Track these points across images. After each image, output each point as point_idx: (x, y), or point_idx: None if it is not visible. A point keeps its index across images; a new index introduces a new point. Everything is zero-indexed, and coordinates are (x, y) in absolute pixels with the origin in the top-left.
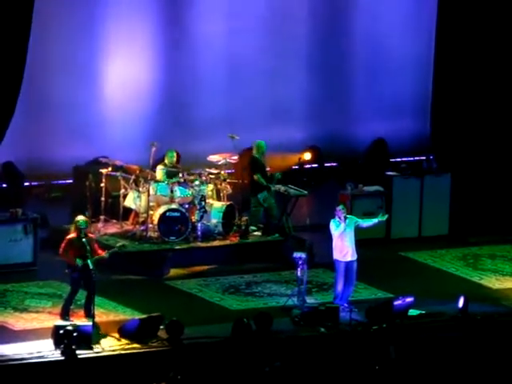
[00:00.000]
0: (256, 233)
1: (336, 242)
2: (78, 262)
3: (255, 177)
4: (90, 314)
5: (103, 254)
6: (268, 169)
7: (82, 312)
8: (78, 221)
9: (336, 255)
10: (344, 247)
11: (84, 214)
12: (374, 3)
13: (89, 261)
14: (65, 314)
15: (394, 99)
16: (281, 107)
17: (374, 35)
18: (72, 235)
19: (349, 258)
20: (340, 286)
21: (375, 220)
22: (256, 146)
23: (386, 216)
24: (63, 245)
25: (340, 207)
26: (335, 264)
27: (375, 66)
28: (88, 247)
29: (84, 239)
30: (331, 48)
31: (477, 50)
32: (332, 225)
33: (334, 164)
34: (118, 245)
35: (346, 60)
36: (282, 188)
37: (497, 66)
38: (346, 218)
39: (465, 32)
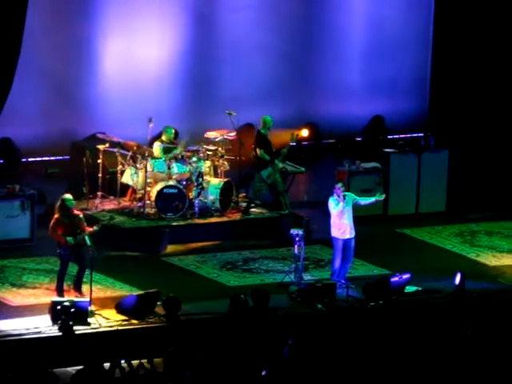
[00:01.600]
0: (255, 209)
1: (334, 220)
2: (70, 240)
3: (258, 152)
4: (79, 291)
5: (92, 229)
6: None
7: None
8: (66, 199)
9: (334, 233)
10: (342, 225)
11: (81, 190)
12: None
13: (86, 237)
14: (60, 291)
15: (392, 78)
16: (278, 84)
17: (373, 14)
18: (58, 215)
19: (347, 236)
20: (337, 263)
21: (373, 199)
22: (263, 121)
23: (384, 196)
24: (51, 224)
25: (339, 185)
26: (333, 241)
27: (374, 45)
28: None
29: (73, 216)
30: (329, 27)
31: (475, 28)
32: (330, 202)
33: (332, 141)
34: (105, 218)
35: (345, 39)
36: (280, 165)
37: (495, 43)
38: (344, 195)
39: (463, 10)
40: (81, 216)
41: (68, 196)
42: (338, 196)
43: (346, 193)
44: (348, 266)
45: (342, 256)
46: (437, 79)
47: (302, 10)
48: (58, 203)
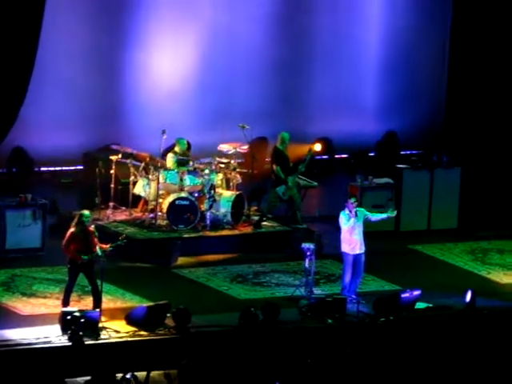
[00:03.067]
0: (266, 223)
1: (344, 235)
2: (85, 258)
3: (275, 169)
4: (97, 305)
5: (106, 247)
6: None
7: (89, 298)
8: (84, 215)
9: (344, 248)
10: (352, 240)
11: (93, 201)
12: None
13: (98, 248)
14: (65, 304)
15: (406, 94)
16: (293, 99)
17: (388, 29)
18: (74, 229)
19: (357, 251)
20: (347, 278)
21: (384, 215)
22: (281, 137)
23: (395, 212)
24: (66, 238)
25: (352, 200)
26: (343, 256)
27: (389, 60)
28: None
29: (88, 232)
30: (344, 41)
31: (492, 45)
32: (342, 218)
33: (345, 156)
34: (120, 238)
35: (360, 54)
36: (291, 184)
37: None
38: (356, 211)
39: (480, 26)
40: (96, 233)
41: (86, 212)
42: (350, 211)
43: (358, 208)
44: (358, 281)
45: (352, 271)
46: (452, 98)
47: (316, 24)
48: (76, 218)
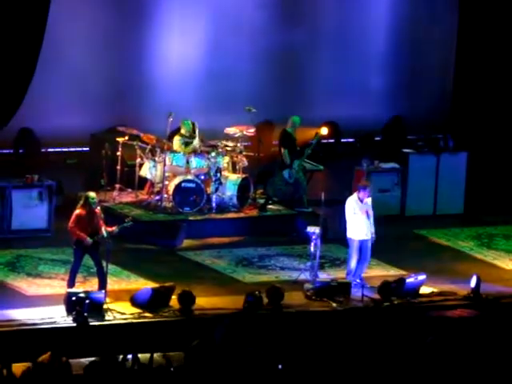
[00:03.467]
0: (272, 206)
1: (351, 221)
2: (90, 240)
3: (282, 151)
4: (103, 286)
5: (112, 229)
6: None
7: (95, 280)
8: (90, 197)
9: (350, 233)
10: (359, 226)
11: (100, 182)
12: None
13: (104, 230)
14: (71, 285)
15: (414, 79)
16: (300, 83)
17: (396, 14)
18: (80, 210)
19: (363, 237)
20: (353, 263)
21: (372, 228)
22: (291, 120)
23: (374, 238)
24: (72, 219)
25: (368, 189)
26: (349, 242)
27: (397, 45)
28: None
29: (94, 214)
30: (351, 25)
31: (500, 31)
32: (349, 203)
33: (351, 140)
34: (127, 220)
35: (368, 38)
36: (297, 167)
37: None
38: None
39: (488, 13)
40: (102, 215)
41: (92, 194)
42: (359, 198)
43: (368, 199)
44: (365, 266)
45: (359, 256)
46: (459, 80)
47: (323, 7)
48: (82, 200)
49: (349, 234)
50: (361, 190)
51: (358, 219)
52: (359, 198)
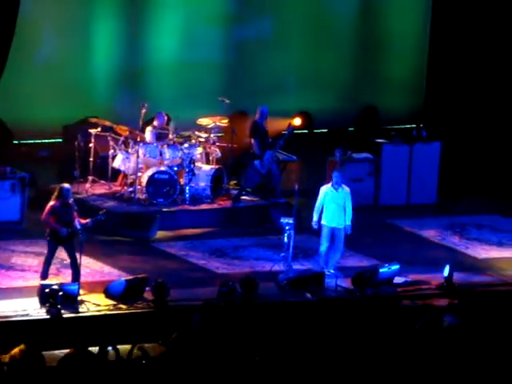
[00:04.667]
0: (246, 197)
1: (321, 207)
2: (63, 231)
3: (252, 142)
4: (76, 278)
5: (86, 221)
6: None
7: (68, 271)
8: (64, 188)
9: (322, 219)
10: (329, 213)
11: (73, 174)
12: None
13: (77, 222)
14: (44, 277)
15: (387, 70)
16: (272, 74)
17: (370, 5)
18: (54, 202)
19: (334, 225)
20: (322, 248)
21: (348, 221)
22: (259, 111)
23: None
24: (46, 211)
25: (337, 172)
26: (321, 227)
27: (370, 37)
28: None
29: (68, 206)
30: (326, 17)
31: (472, 21)
32: (321, 191)
33: (324, 130)
34: (100, 212)
35: (340, 29)
36: (269, 158)
37: (491, 36)
38: (339, 187)
39: (460, 7)
40: (75, 207)
41: (66, 185)
42: (334, 185)
43: (344, 185)
44: (337, 257)
45: (331, 245)
46: (432, 71)
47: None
48: (56, 191)
49: (322, 220)
50: (332, 174)
51: (329, 206)
52: (333, 186)
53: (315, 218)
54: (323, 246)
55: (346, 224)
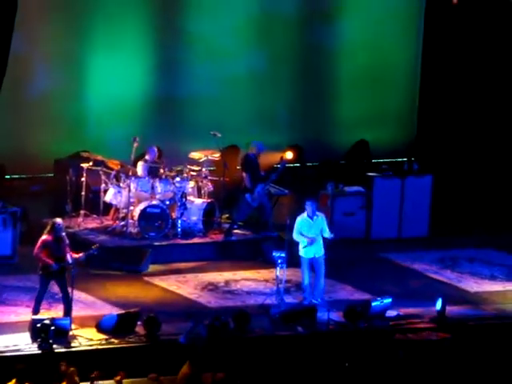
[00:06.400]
0: (238, 231)
1: (298, 239)
2: (55, 266)
3: (244, 176)
4: (68, 313)
5: (78, 255)
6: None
7: (60, 306)
8: (56, 223)
9: (300, 251)
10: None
11: (65, 208)
12: (363, 13)
13: (68, 256)
14: (35, 313)
15: (378, 104)
16: (265, 110)
17: (362, 41)
18: (46, 237)
19: (312, 255)
20: (306, 281)
21: (328, 236)
22: (255, 146)
23: (332, 235)
24: (38, 245)
25: (311, 202)
26: (300, 259)
27: (361, 73)
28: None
29: (60, 240)
30: (316, 55)
31: (464, 56)
32: (297, 223)
33: (316, 163)
34: (93, 246)
35: (332, 65)
36: (259, 192)
37: (480, 71)
38: (315, 216)
39: (451, 41)
40: (67, 241)
41: (59, 220)
42: (309, 214)
43: (319, 214)
44: (320, 283)
45: (312, 274)
46: (423, 105)
47: (293, 35)
48: (49, 226)
49: (299, 252)
50: (305, 204)
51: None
52: (308, 216)
53: (302, 241)
54: (305, 280)
55: (329, 236)
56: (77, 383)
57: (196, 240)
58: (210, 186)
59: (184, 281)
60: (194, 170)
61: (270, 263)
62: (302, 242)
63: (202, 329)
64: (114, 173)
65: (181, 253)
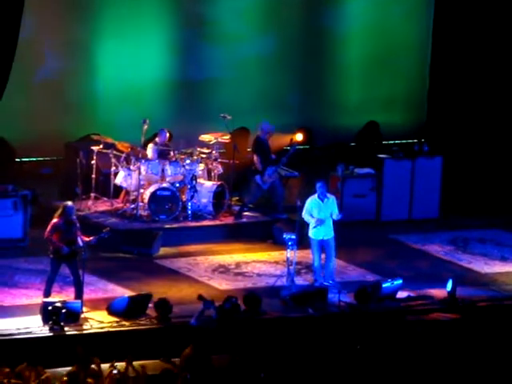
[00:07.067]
0: (248, 213)
1: (309, 221)
2: (66, 249)
3: (255, 158)
4: (79, 296)
5: (89, 239)
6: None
7: (71, 289)
8: (67, 206)
9: (310, 233)
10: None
11: (75, 191)
12: None
13: (79, 240)
14: (47, 295)
15: (389, 88)
16: (275, 92)
17: (371, 24)
18: (57, 220)
19: (322, 237)
20: (316, 262)
21: (336, 217)
22: (260, 127)
23: (340, 216)
24: (49, 228)
25: (321, 184)
26: (310, 241)
27: (372, 55)
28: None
29: (71, 224)
30: (328, 35)
31: (474, 40)
32: (307, 205)
33: (326, 145)
34: (104, 230)
35: (342, 50)
36: (270, 174)
37: (491, 53)
38: (325, 198)
39: (461, 22)
40: (78, 225)
41: (70, 203)
42: (320, 196)
43: (330, 196)
44: (332, 265)
45: (323, 255)
46: (434, 87)
47: (302, 18)
48: (60, 209)
49: (309, 233)
50: (316, 185)
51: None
52: (318, 197)
53: (312, 221)
54: (316, 262)
55: (336, 217)
56: (98, 368)
57: (206, 222)
58: (219, 169)
59: (195, 263)
60: (204, 153)
61: (281, 245)
62: (311, 222)
63: (212, 311)
64: (124, 155)
65: (191, 235)
